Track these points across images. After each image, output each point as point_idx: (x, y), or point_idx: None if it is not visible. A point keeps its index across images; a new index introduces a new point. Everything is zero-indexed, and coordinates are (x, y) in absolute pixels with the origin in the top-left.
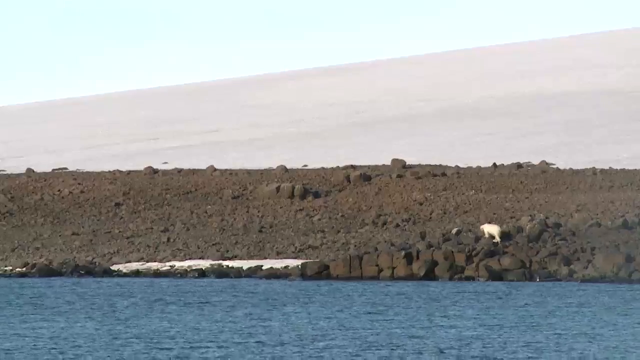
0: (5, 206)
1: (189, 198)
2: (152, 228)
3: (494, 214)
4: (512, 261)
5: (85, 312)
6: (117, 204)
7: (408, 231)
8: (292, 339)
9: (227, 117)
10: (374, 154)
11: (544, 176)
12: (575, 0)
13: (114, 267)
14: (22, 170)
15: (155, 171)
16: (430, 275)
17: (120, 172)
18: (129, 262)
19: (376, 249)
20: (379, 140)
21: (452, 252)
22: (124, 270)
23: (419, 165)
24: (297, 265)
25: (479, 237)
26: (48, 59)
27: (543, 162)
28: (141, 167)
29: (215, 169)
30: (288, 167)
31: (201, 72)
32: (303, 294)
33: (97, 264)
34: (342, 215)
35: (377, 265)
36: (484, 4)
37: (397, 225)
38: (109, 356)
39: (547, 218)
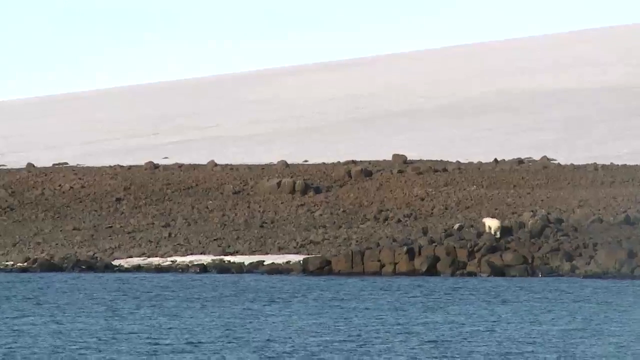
0: (6, 201)
1: (189, 193)
2: (153, 223)
3: (496, 209)
4: (514, 257)
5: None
6: (118, 199)
7: (410, 227)
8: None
9: (227, 112)
10: (374, 149)
11: (545, 172)
12: None
13: (115, 262)
14: (23, 165)
15: (156, 166)
16: (432, 270)
17: (121, 167)
18: (130, 257)
19: (378, 245)
20: (379, 135)
21: (454, 247)
22: (125, 266)
23: (420, 161)
24: (299, 261)
25: (481, 232)
26: (48, 55)
27: (544, 157)
28: (141, 163)
29: (216, 164)
30: (288, 162)
31: (201, 67)
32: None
33: (98, 259)
34: (343, 211)
35: (379, 261)
36: (484, 0)
37: (399, 221)
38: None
39: (549, 214)
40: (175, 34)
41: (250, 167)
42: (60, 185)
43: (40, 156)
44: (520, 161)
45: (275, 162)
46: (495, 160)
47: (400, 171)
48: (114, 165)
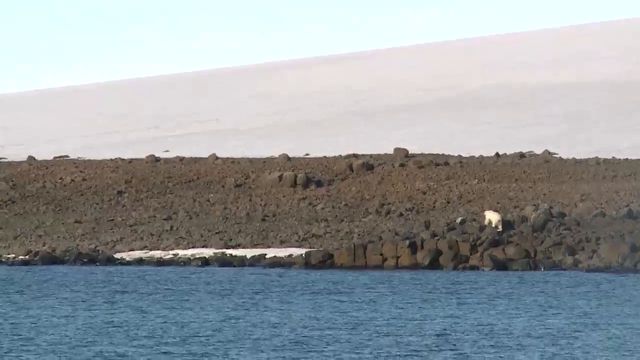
0: (7, 194)
1: (191, 186)
2: (154, 216)
3: (498, 203)
4: (517, 251)
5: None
6: (120, 192)
7: (412, 220)
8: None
9: (228, 106)
10: (374, 142)
11: (547, 166)
12: None
13: (117, 255)
14: (23, 158)
15: (157, 159)
16: (434, 264)
17: (122, 160)
18: (132, 250)
19: (380, 238)
20: (379, 129)
21: (457, 241)
22: (127, 259)
23: (422, 155)
24: (301, 254)
25: (483, 226)
26: (49, 48)
27: (546, 151)
28: (142, 156)
29: (218, 158)
30: (289, 156)
31: (201, 61)
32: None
33: (100, 252)
34: (345, 204)
35: (381, 255)
36: None
37: (401, 215)
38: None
39: (551, 207)
40: (176, 28)
41: (251, 161)
42: (61, 178)
43: (40, 149)
44: (521, 155)
45: (276, 155)
46: (497, 154)
47: (401, 165)
48: (115, 158)
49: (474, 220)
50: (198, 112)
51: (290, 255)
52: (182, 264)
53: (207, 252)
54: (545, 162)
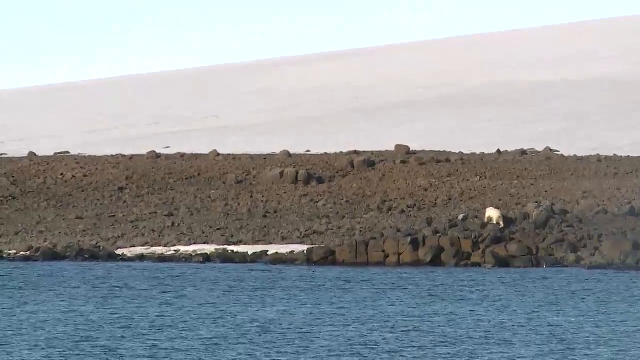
0: (8, 190)
1: (192, 183)
2: (156, 212)
3: (500, 200)
4: (519, 248)
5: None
6: (121, 188)
7: (413, 217)
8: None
9: (227, 102)
10: (375, 139)
11: (548, 163)
12: None
13: (119, 252)
14: (24, 154)
15: (158, 155)
16: (436, 261)
17: (123, 156)
18: (134, 246)
19: (382, 235)
20: (379, 126)
21: (459, 238)
22: (129, 255)
23: (423, 151)
24: (303, 251)
25: (485, 223)
26: (49, 44)
27: (547, 148)
28: (143, 152)
29: (218, 154)
30: (290, 152)
31: (201, 57)
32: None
33: (101, 248)
34: (346, 201)
35: (383, 251)
36: None
37: (403, 211)
38: None
39: (553, 205)
40: (175, 23)
41: (252, 157)
42: (62, 174)
43: (41, 145)
44: (523, 152)
45: (276, 152)
46: (498, 151)
47: (403, 161)
48: (116, 155)
49: (476, 217)
50: (198, 109)
51: (292, 252)
52: (184, 260)
53: (209, 249)
54: (546, 159)
